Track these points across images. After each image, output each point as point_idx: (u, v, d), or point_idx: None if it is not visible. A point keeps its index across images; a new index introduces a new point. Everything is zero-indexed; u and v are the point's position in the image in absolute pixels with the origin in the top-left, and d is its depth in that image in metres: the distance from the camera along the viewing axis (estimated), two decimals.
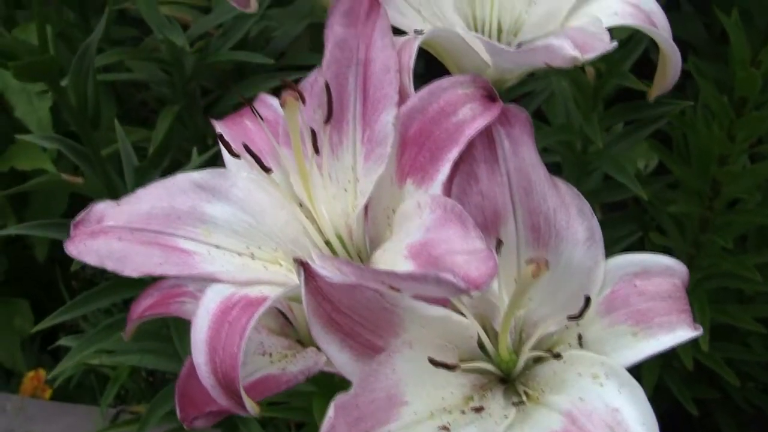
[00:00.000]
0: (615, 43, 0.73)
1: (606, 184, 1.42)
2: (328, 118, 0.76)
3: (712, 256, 1.42)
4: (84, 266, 1.45)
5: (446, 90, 0.76)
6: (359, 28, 0.79)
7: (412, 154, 0.76)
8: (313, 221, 0.81)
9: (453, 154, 0.74)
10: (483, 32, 0.89)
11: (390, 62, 0.77)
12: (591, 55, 0.71)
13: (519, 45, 0.89)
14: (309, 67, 1.59)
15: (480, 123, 0.74)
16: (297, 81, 1.62)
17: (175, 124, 1.49)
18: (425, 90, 0.76)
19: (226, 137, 0.85)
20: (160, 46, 1.50)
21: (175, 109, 1.47)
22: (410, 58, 0.77)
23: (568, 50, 0.71)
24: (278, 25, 1.59)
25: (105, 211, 0.79)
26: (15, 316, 1.71)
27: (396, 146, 0.76)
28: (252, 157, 0.76)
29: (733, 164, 1.34)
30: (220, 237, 0.79)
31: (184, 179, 0.80)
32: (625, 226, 1.47)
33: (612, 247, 1.50)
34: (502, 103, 0.76)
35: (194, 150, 1.31)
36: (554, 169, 1.46)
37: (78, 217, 0.79)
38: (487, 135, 0.75)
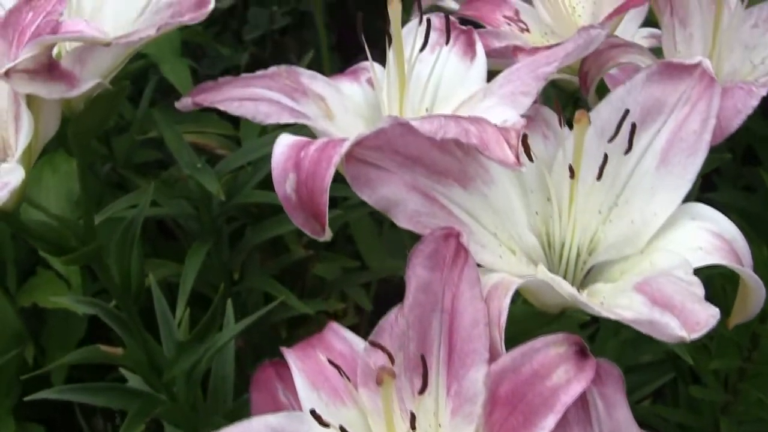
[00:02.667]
0: (718, 315, 0.71)
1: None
2: (423, 389, 0.74)
3: (748, 404, 1.41)
4: None
5: (539, 351, 0.74)
6: (445, 272, 0.77)
7: (504, 414, 0.74)
8: None
9: (549, 422, 0.71)
10: (561, 256, 0.87)
11: (479, 315, 0.75)
12: (698, 335, 0.69)
13: (592, 268, 0.88)
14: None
15: (576, 389, 0.72)
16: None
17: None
18: (518, 350, 0.74)
19: (298, 372, 0.83)
20: (186, 177, 1.47)
21: (205, 248, 1.45)
22: (501, 313, 0.75)
23: (675, 330, 0.69)
24: None
25: None
26: None
27: (485, 402, 0.74)
28: None
29: None
30: None
31: (259, 424, 0.78)
32: (660, 369, 1.46)
33: (643, 388, 1.48)
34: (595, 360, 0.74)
35: (229, 303, 1.28)
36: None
37: None
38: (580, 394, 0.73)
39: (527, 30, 1.12)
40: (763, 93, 0.95)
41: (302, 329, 1.67)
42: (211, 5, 0.89)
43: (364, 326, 1.82)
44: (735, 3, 1.08)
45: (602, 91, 1.12)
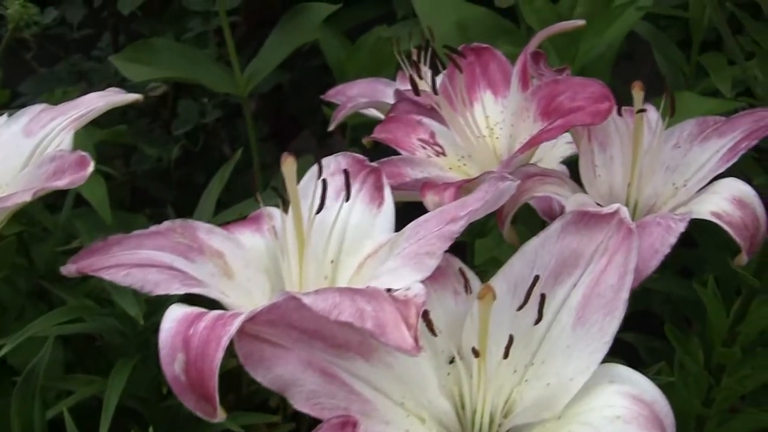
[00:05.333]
0: None
1: None
2: None
3: None
4: None
5: None
6: None
7: None
8: None
9: None
10: (473, 421, 0.82)
11: None
12: None
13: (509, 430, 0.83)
14: None
15: None
16: None
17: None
18: None
19: None
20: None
21: (130, 365, 1.38)
22: None
23: None
24: None
25: None
26: None
27: None
28: None
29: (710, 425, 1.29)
30: None
31: None
32: None
33: None
34: None
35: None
36: None
37: None
38: None
39: (443, 153, 1.07)
40: (682, 228, 0.91)
41: None
42: (91, 168, 0.85)
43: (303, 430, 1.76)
44: (655, 122, 1.05)
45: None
